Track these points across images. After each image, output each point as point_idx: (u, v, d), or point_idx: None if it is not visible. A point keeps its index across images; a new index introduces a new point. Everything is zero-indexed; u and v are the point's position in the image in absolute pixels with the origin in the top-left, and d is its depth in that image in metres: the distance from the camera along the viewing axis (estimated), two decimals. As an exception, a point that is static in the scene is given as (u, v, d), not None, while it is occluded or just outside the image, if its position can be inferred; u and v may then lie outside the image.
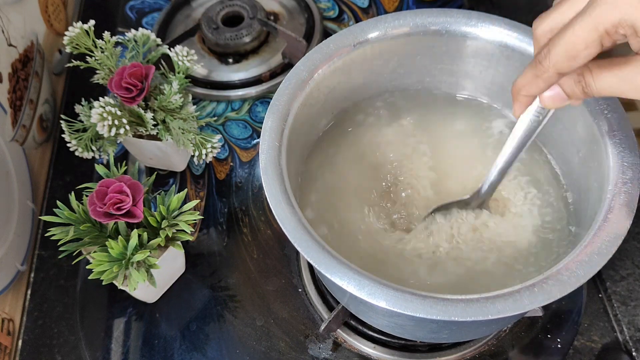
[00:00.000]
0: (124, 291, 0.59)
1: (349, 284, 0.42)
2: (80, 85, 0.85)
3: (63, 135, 0.66)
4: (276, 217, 0.45)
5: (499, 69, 0.57)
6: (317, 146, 0.60)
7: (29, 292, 0.68)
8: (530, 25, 0.52)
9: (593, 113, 0.48)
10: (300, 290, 0.64)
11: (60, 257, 0.56)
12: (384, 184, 0.58)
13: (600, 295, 0.64)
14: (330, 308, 0.62)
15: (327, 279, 0.50)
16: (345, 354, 0.60)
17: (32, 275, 0.69)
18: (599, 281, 0.64)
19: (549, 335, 0.60)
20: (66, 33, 0.63)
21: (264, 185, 0.47)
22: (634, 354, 0.60)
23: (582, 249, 0.42)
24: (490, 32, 0.54)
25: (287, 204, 0.46)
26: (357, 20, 0.87)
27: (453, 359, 0.59)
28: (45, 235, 0.57)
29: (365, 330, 0.60)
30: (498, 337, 0.60)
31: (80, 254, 0.57)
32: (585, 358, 0.60)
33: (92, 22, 0.63)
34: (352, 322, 0.61)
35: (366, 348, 0.60)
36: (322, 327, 0.58)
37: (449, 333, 0.52)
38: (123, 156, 0.76)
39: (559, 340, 0.60)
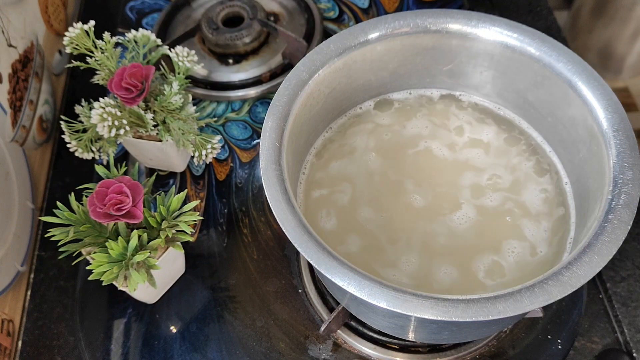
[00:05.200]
0: (123, 292, 0.59)
1: (350, 285, 0.42)
2: (80, 85, 0.85)
3: (63, 136, 0.66)
4: (276, 217, 0.45)
5: (499, 70, 0.57)
6: (318, 146, 0.60)
7: (28, 292, 0.68)
8: (530, 26, 0.52)
9: (593, 113, 0.48)
10: (300, 291, 0.64)
11: (60, 257, 0.56)
12: (385, 183, 0.58)
13: (600, 296, 0.64)
14: (331, 309, 0.62)
15: (327, 280, 0.50)
16: (345, 355, 0.60)
17: (32, 276, 0.69)
18: (599, 282, 0.64)
19: (549, 336, 0.60)
20: (66, 34, 0.63)
21: (264, 186, 0.47)
22: (634, 354, 0.60)
23: (583, 249, 0.42)
24: (490, 32, 0.54)
25: (287, 205, 0.46)
26: (358, 20, 0.87)
27: (453, 359, 0.59)
28: (45, 236, 0.56)
29: (365, 331, 0.60)
30: (498, 338, 0.60)
31: (80, 254, 0.57)
32: (586, 359, 0.60)
33: (92, 22, 0.63)
34: (352, 323, 0.61)
35: (366, 349, 0.60)
36: (323, 328, 0.58)
37: (450, 334, 0.52)
38: (123, 157, 0.76)
39: (559, 341, 0.60)
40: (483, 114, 0.61)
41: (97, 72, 0.66)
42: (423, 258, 0.53)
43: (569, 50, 0.51)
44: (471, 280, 0.52)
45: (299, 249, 0.44)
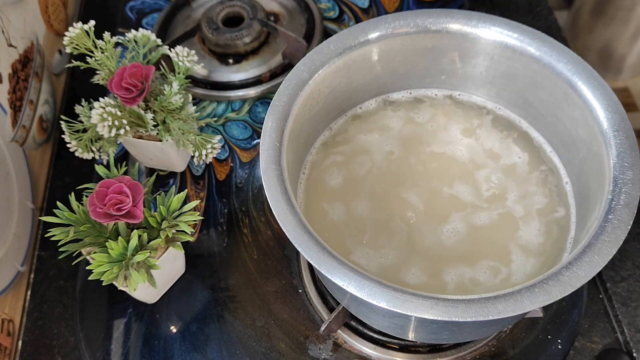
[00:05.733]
0: (123, 292, 0.59)
1: (350, 285, 0.42)
2: (80, 85, 0.85)
3: (63, 136, 0.66)
4: (276, 217, 0.45)
5: (500, 70, 0.57)
6: (318, 146, 0.60)
7: (28, 292, 0.68)
8: (530, 26, 0.52)
9: (594, 113, 0.48)
10: (300, 291, 0.64)
11: (60, 257, 0.56)
12: (386, 182, 0.58)
13: (600, 296, 0.64)
14: (331, 309, 0.62)
15: (327, 280, 0.50)
16: (345, 355, 0.60)
17: (32, 276, 0.69)
18: (599, 282, 0.64)
19: (549, 336, 0.60)
20: (66, 33, 0.63)
21: (264, 186, 0.47)
22: (634, 354, 0.60)
23: (583, 249, 0.42)
24: (490, 32, 0.54)
25: (287, 205, 0.46)
26: (358, 20, 0.87)
27: (453, 359, 0.59)
28: (45, 235, 0.56)
29: (365, 331, 0.60)
30: (498, 337, 0.60)
31: (80, 254, 0.57)
32: (586, 359, 0.60)
33: (92, 22, 0.63)
34: (353, 323, 0.61)
35: (366, 349, 0.60)
36: (323, 328, 0.58)
37: (450, 334, 0.52)
38: (123, 157, 0.76)
39: (559, 341, 0.60)
40: (483, 112, 0.61)
41: (97, 72, 0.66)
42: (400, 255, 0.53)
43: (569, 50, 0.51)
44: (436, 287, 0.51)
45: (299, 249, 0.44)
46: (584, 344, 0.61)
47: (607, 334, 0.61)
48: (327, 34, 0.85)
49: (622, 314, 0.62)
